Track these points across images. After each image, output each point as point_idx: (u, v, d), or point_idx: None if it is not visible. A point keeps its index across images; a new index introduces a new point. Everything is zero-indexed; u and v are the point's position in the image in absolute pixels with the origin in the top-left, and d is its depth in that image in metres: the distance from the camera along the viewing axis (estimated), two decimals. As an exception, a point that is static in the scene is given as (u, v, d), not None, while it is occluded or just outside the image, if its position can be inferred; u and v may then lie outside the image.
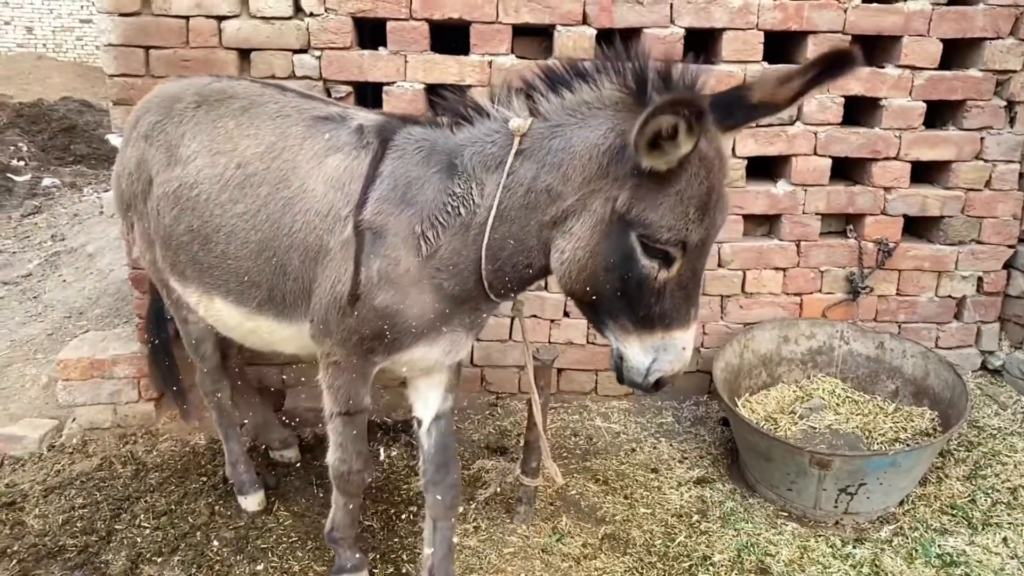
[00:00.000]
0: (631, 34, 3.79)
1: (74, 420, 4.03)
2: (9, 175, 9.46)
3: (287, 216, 2.47)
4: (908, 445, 3.55)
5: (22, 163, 10.08)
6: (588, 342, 4.13)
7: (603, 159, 2.07)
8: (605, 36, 3.75)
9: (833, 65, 1.97)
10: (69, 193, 9.21)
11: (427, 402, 2.86)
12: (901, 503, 3.44)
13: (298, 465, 3.74)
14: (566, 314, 4.09)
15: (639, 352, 2.16)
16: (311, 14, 3.61)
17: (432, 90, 3.69)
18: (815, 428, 3.76)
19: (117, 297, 5.51)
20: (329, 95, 3.67)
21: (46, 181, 9.56)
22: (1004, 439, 3.82)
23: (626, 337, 2.17)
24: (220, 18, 3.60)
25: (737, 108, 2.06)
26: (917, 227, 4.21)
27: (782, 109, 2.09)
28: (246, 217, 2.53)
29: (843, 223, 4.19)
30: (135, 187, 2.88)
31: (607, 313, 2.18)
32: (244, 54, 3.67)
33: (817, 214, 4.05)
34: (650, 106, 1.81)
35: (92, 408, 4.00)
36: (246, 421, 3.74)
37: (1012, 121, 3.97)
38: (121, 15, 3.55)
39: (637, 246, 2.03)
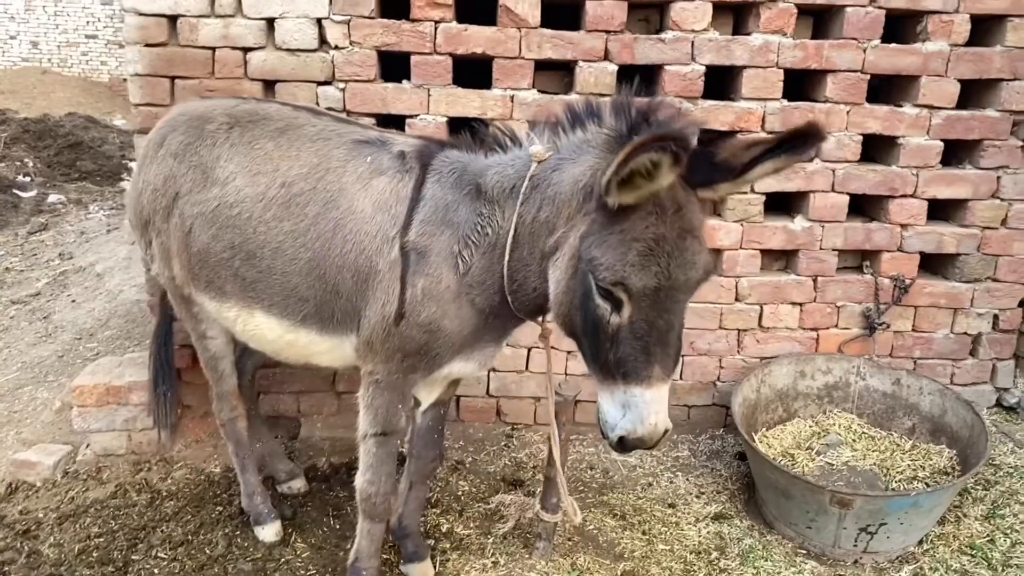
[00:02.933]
0: (652, 71, 3.83)
1: (88, 446, 4.01)
2: (15, 191, 9.46)
3: (338, 237, 2.57)
4: (927, 484, 3.55)
5: (28, 179, 10.09)
6: (605, 374, 4.13)
7: (580, 195, 2.14)
8: (626, 73, 3.78)
9: (797, 139, 1.92)
10: (75, 210, 9.21)
11: (431, 390, 2.96)
12: (920, 543, 3.44)
13: (314, 496, 3.72)
14: (583, 346, 4.09)
15: (609, 404, 2.12)
16: (336, 47, 3.63)
17: (454, 123, 3.73)
18: (832, 465, 3.76)
19: (128, 319, 5.50)
20: (353, 127, 3.69)
21: (52, 197, 9.56)
22: (1022, 478, 3.82)
23: (599, 384, 2.16)
24: (246, 49, 3.62)
25: (701, 164, 2.02)
26: (933, 264, 4.24)
27: (740, 175, 2.01)
28: (295, 235, 2.63)
29: (860, 259, 4.21)
30: (158, 203, 2.92)
31: (584, 354, 2.22)
32: (269, 85, 3.69)
33: (834, 250, 4.07)
34: (626, 146, 1.80)
35: (107, 435, 3.98)
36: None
37: (1028, 161, 4.01)
38: (148, 45, 3.58)
39: (593, 284, 2.04)
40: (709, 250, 2.09)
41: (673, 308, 2.04)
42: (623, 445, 2.13)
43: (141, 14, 3.55)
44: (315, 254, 2.60)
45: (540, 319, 2.62)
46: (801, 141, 1.91)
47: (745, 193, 3.92)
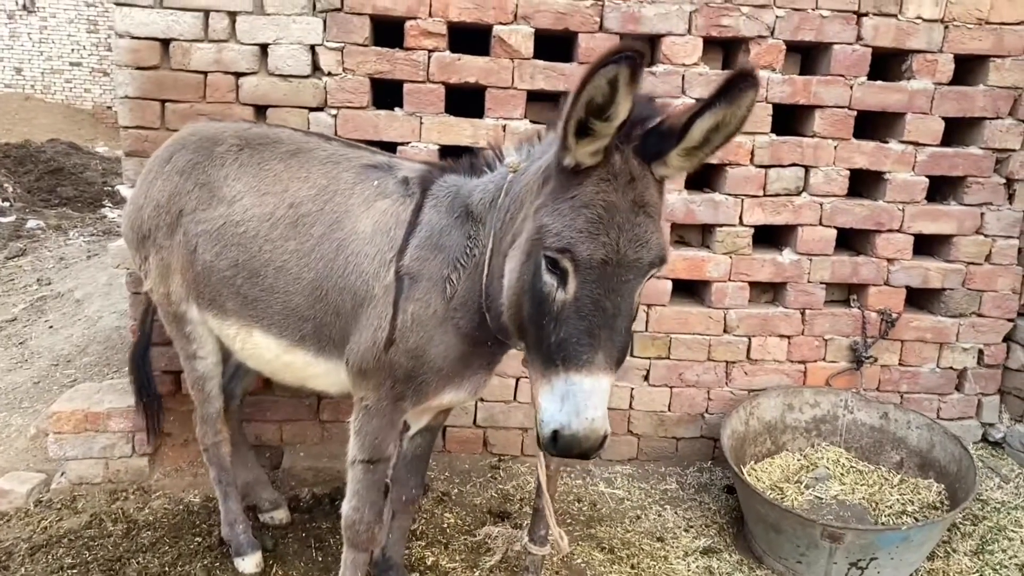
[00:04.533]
0: (643, 102, 3.85)
1: (63, 474, 3.90)
2: (-7, 216, 9.34)
3: (340, 258, 2.56)
4: (917, 519, 3.53)
5: (7, 204, 9.97)
6: (593, 405, 4.10)
7: (540, 178, 2.06)
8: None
9: (731, 86, 1.76)
10: (54, 236, 9.10)
11: (420, 417, 2.91)
12: (910, 578, 3.42)
13: (296, 527, 3.64)
14: (571, 377, 4.06)
15: (548, 398, 1.92)
16: (329, 73, 3.63)
17: (446, 151, 3.73)
18: (821, 499, 3.73)
19: (107, 346, 5.40)
20: (344, 153, 3.68)
21: (31, 223, 9.44)
22: (1009, 513, 3.81)
23: (537, 379, 1.98)
24: (238, 74, 3.61)
25: (650, 136, 1.89)
26: (919, 298, 4.27)
27: (684, 134, 1.83)
28: (299, 254, 2.63)
29: (847, 293, 4.23)
30: (160, 219, 2.91)
31: (528, 347, 2.07)
32: (260, 110, 3.68)
33: (822, 283, 4.10)
34: (583, 73, 1.70)
35: (83, 462, 3.87)
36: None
37: (1011, 198, 4.07)
38: (139, 68, 3.56)
39: (542, 260, 1.93)
40: (662, 235, 1.96)
41: (621, 289, 1.91)
42: (555, 442, 1.89)
43: (134, 37, 3.53)
44: (318, 274, 2.60)
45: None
46: (735, 87, 1.77)
47: (733, 226, 3.95)
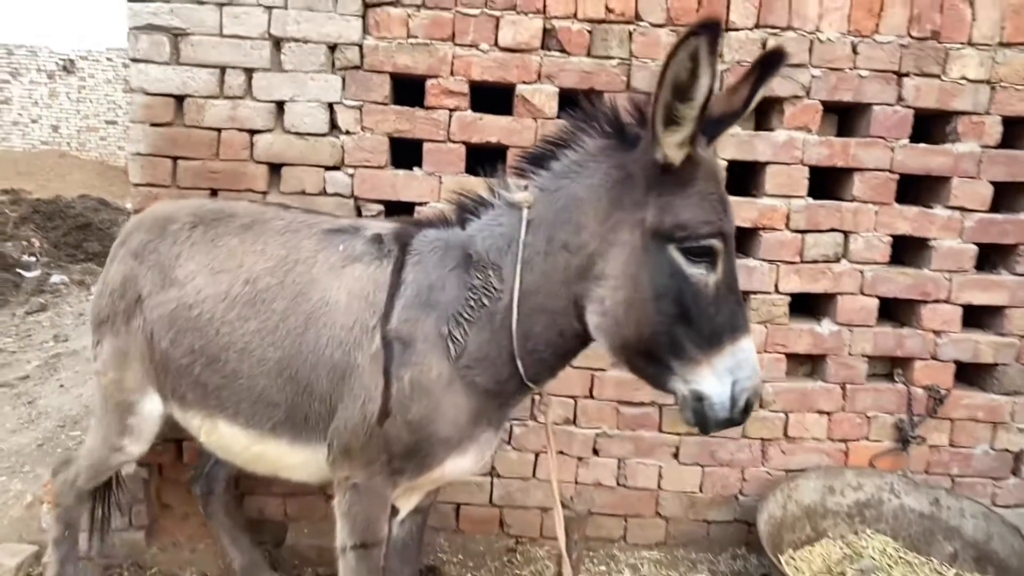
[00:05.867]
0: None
1: (56, 547, 3.69)
2: (19, 270, 9.37)
3: (311, 331, 2.39)
4: (976, 621, 3.20)
5: (33, 259, 10.02)
6: (618, 484, 3.83)
7: (612, 194, 2.09)
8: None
9: (766, 64, 2.04)
10: (77, 291, 9.09)
11: (411, 497, 2.71)
12: None
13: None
14: (595, 451, 3.81)
15: (716, 382, 1.99)
16: (347, 132, 3.52)
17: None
18: (868, 593, 3.41)
19: (115, 407, 5.23)
20: (360, 213, 3.54)
21: (55, 278, 9.45)
22: (1078, 615, 3.45)
23: (697, 369, 2.01)
24: (253, 131, 3.51)
25: (709, 125, 2.07)
26: (970, 374, 3.98)
27: (741, 115, 2.14)
28: (262, 334, 2.44)
29: (890, 366, 3.96)
30: (116, 305, 2.73)
31: (670, 351, 2.02)
32: (275, 169, 3.56)
33: (863, 356, 3.83)
34: (666, 56, 1.82)
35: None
36: (234, 563, 3.42)
37: (1066, 270, 3.80)
38: (153, 124, 3.47)
39: (679, 257, 1.99)
40: None
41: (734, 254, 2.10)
42: (747, 410, 2.02)
43: (148, 93, 3.45)
44: (285, 352, 2.41)
45: (541, 388, 2.42)
46: (774, 65, 2.05)
47: (768, 293, 3.73)
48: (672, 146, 1.95)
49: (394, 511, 2.71)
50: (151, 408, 2.80)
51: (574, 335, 2.22)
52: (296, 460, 2.54)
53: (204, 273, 2.56)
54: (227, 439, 2.61)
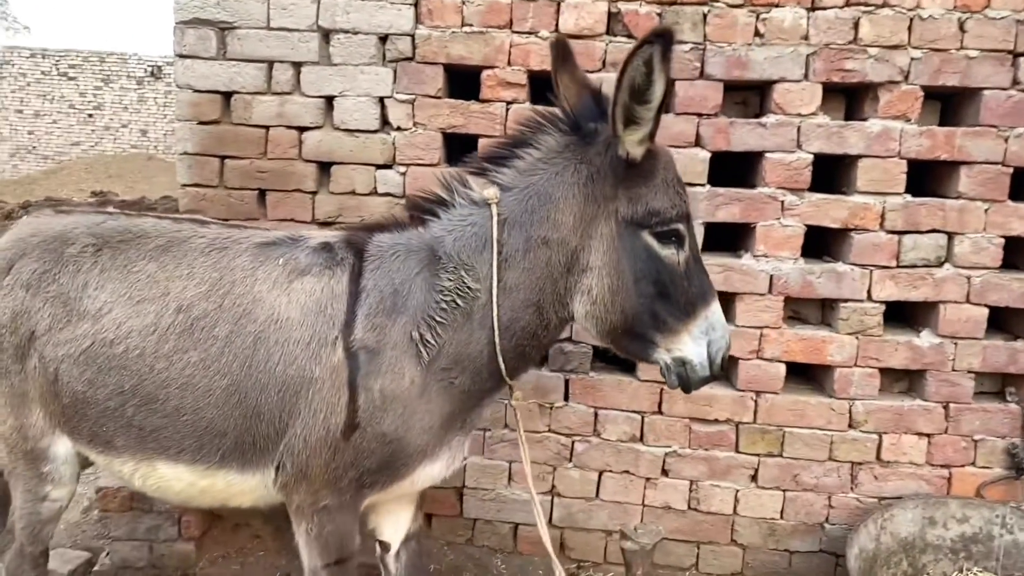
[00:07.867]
0: (750, 158, 3.37)
1: (108, 555, 3.63)
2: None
3: (260, 352, 2.27)
4: None
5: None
6: (690, 507, 3.52)
7: (585, 189, 2.21)
8: (719, 160, 3.34)
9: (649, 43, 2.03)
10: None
11: (397, 524, 2.68)
12: None
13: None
14: (664, 472, 3.51)
15: (695, 346, 2.23)
16: (398, 128, 3.33)
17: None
18: (976, 642, 3.02)
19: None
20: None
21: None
22: None
23: (677, 338, 2.23)
24: (301, 129, 3.36)
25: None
26: (1095, 394, 3.50)
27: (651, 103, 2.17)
28: (206, 363, 2.28)
29: (1001, 384, 3.52)
30: (4, 342, 2.41)
31: (653, 327, 2.23)
32: (324, 167, 3.40)
33: (969, 372, 3.41)
34: (622, 61, 1.99)
35: (127, 544, 3.60)
36: None
37: None
38: (200, 123, 3.36)
39: (653, 242, 2.19)
40: None
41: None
42: (722, 365, 2.29)
43: (195, 91, 3.34)
44: (233, 379, 2.26)
45: (512, 384, 2.40)
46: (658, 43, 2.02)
47: (860, 301, 3.35)
48: (633, 143, 2.14)
49: (385, 546, 2.67)
50: (64, 451, 2.52)
51: (558, 324, 2.33)
52: (247, 486, 2.40)
53: (122, 304, 2.33)
54: (168, 480, 2.42)
